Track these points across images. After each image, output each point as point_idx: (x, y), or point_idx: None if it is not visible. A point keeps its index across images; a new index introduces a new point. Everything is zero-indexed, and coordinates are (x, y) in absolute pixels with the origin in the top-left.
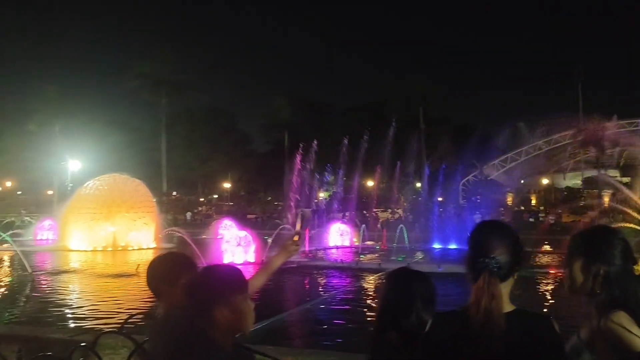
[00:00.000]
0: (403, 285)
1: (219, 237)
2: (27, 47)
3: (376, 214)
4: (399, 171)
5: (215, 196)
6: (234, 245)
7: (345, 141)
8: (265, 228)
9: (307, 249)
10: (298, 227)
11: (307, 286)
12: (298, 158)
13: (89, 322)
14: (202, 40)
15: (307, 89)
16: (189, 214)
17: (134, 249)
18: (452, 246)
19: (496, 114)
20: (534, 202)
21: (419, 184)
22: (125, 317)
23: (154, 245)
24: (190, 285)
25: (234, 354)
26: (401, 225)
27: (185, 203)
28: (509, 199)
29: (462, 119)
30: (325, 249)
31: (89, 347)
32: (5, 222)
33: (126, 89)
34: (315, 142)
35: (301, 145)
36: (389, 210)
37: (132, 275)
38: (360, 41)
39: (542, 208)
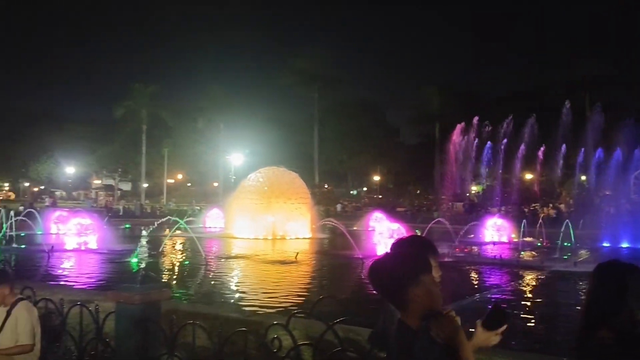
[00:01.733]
0: (615, 279)
1: (370, 229)
2: (196, 49)
3: (535, 208)
4: (561, 163)
5: (365, 189)
6: (387, 237)
7: (501, 130)
8: (416, 221)
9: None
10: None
11: (463, 282)
12: (449, 149)
13: (259, 304)
14: (352, 33)
15: (458, 78)
16: (339, 206)
17: (291, 239)
18: (624, 245)
19: None
20: None
21: (584, 177)
22: (290, 300)
23: (309, 235)
24: (379, 269)
25: (427, 338)
26: (567, 221)
27: (335, 195)
28: None
29: (634, 105)
30: (481, 244)
31: (283, 326)
32: (179, 210)
33: (282, 86)
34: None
35: (452, 135)
36: (550, 205)
37: (292, 262)
38: (515, 25)
39: None
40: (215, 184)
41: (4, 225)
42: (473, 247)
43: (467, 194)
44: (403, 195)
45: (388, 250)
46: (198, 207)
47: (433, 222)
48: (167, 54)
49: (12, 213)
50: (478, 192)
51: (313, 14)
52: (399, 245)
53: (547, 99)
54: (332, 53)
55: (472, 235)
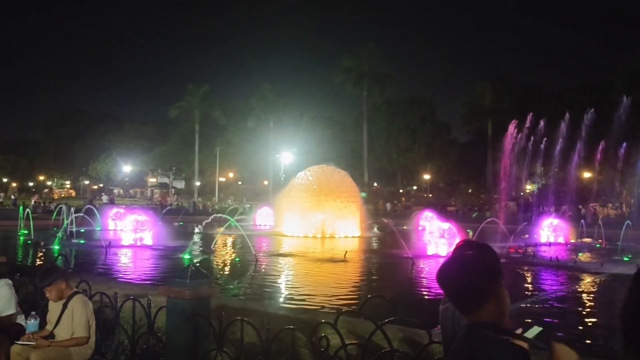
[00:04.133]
0: None
1: (419, 228)
2: (247, 49)
3: (594, 208)
4: (622, 160)
5: (414, 187)
6: (437, 237)
7: (558, 126)
8: (467, 220)
9: (514, 244)
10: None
11: (518, 284)
12: (503, 145)
13: (307, 302)
14: (402, 30)
15: (513, 74)
16: (388, 205)
17: (340, 237)
18: None
19: None
20: None
21: None
22: (339, 299)
23: (358, 234)
24: (453, 268)
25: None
26: (628, 222)
27: (385, 194)
28: None
29: None
30: (536, 245)
31: (331, 325)
32: (230, 208)
33: (331, 85)
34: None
35: (509, 131)
36: (610, 205)
37: (341, 261)
38: (578, 16)
39: None
40: (266, 182)
41: (65, 222)
42: (528, 248)
43: (522, 193)
44: (454, 194)
45: (450, 251)
46: (248, 205)
47: (485, 221)
48: (219, 54)
49: (72, 210)
50: (533, 191)
51: (363, 13)
52: (470, 247)
53: (610, 94)
54: (381, 51)
55: (527, 236)
